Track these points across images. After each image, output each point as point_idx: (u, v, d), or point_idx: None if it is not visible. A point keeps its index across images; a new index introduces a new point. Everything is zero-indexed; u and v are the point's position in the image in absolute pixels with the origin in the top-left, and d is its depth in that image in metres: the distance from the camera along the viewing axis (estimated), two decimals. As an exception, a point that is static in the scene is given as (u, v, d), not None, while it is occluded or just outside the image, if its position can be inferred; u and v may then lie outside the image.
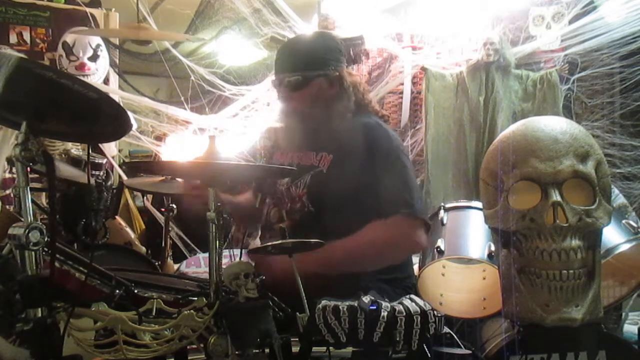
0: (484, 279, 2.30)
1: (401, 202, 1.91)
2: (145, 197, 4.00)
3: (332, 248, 1.80)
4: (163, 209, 3.11)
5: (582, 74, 3.81)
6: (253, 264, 1.48)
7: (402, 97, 4.15)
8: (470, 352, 1.74)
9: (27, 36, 3.81)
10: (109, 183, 2.83)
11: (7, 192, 3.25)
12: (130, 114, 1.48)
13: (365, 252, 1.89)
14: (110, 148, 3.71)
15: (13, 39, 3.78)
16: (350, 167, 1.95)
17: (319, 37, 2.31)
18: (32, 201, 1.34)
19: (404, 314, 1.48)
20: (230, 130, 3.75)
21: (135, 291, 1.57)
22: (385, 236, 1.89)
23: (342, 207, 1.93)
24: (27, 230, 1.24)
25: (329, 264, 1.82)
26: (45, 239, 1.26)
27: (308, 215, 2.00)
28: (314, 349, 1.52)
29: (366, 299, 1.52)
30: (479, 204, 2.17)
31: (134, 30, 3.10)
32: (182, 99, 3.68)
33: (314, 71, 2.03)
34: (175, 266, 3.10)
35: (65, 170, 2.65)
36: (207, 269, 1.60)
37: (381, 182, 1.92)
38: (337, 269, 1.84)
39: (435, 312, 1.53)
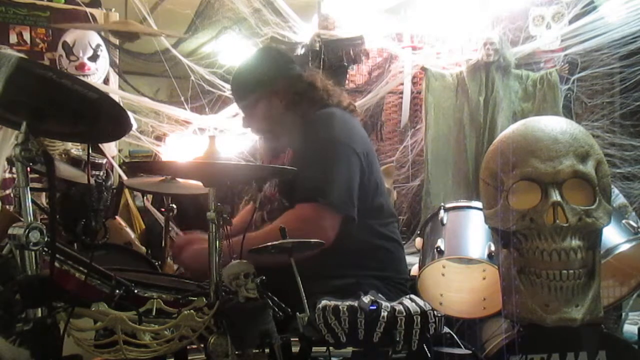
0: (484, 279, 2.30)
1: (315, 191, 1.93)
2: (145, 197, 3.99)
3: (249, 238, 1.77)
4: (163, 209, 3.10)
5: (582, 74, 3.82)
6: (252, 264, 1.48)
7: (402, 97, 4.16)
8: (470, 352, 1.74)
9: (27, 36, 3.81)
10: (109, 183, 2.83)
11: (7, 192, 3.25)
12: (130, 114, 1.48)
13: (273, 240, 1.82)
14: (110, 148, 3.71)
15: (13, 39, 3.78)
16: (300, 157, 2.03)
17: (249, 60, 2.31)
18: (32, 201, 1.34)
19: (404, 314, 1.49)
20: (230, 130, 3.75)
21: (135, 291, 1.57)
22: (291, 225, 1.74)
23: (301, 188, 1.98)
24: (27, 230, 1.24)
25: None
26: (45, 239, 1.26)
27: (284, 210, 2.05)
28: (314, 349, 1.52)
29: (366, 299, 1.52)
30: (479, 204, 2.17)
31: (121, 24, 3.09)
32: (182, 99, 3.69)
33: (250, 95, 2.16)
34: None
35: (65, 170, 2.64)
36: (207, 269, 1.60)
37: (306, 169, 1.92)
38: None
39: (435, 312, 1.53)
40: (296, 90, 2.14)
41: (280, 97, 2.14)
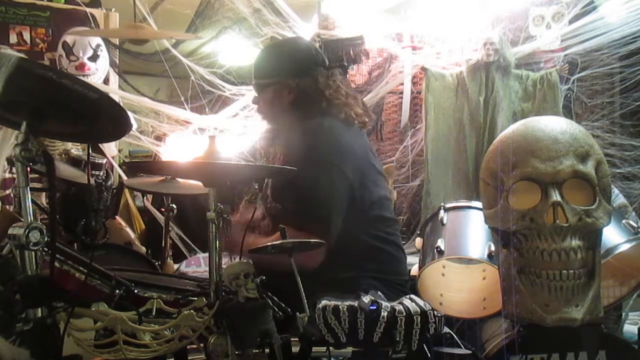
0: (484, 279, 2.30)
1: (297, 217, 1.93)
2: (145, 197, 3.99)
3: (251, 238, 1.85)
4: (163, 209, 3.10)
5: (582, 74, 3.81)
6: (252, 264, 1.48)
7: (402, 97, 4.15)
8: (470, 352, 1.74)
9: (27, 36, 3.81)
10: (109, 183, 2.83)
11: (7, 192, 3.24)
12: (130, 114, 1.48)
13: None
14: (110, 148, 3.71)
15: (13, 39, 3.77)
16: (290, 166, 1.99)
17: (279, 46, 2.38)
18: (32, 201, 1.34)
19: (404, 314, 1.49)
20: (230, 130, 3.75)
21: (135, 291, 1.57)
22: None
23: (292, 203, 2.00)
24: (27, 230, 1.24)
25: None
26: (45, 239, 1.26)
27: (277, 211, 2.08)
28: (314, 349, 1.52)
29: (366, 299, 1.52)
30: (479, 204, 2.17)
31: (132, 29, 3.09)
32: (182, 99, 3.68)
33: (265, 79, 2.17)
34: (175, 266, 3.10)
35: (65, 170, 2.64)
36: (207, 269, 1.60)
37: (297, 187, 1.94)
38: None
39: (435, 312, 1.53)
40: (305, 90, 2.14)
41: (289, 91, 2.14)
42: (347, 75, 3.99)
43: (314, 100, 2.14)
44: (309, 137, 2.05)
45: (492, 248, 2.13)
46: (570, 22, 3.76)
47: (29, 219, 1.27)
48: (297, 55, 2.21)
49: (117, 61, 4.04)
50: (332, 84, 2.18)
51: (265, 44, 2.39)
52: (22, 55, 1.40)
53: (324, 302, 1.52)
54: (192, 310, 1.40)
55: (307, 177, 1.93)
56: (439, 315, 1.55)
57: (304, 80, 2.14)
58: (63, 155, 2.88)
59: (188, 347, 1.45)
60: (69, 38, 3.85)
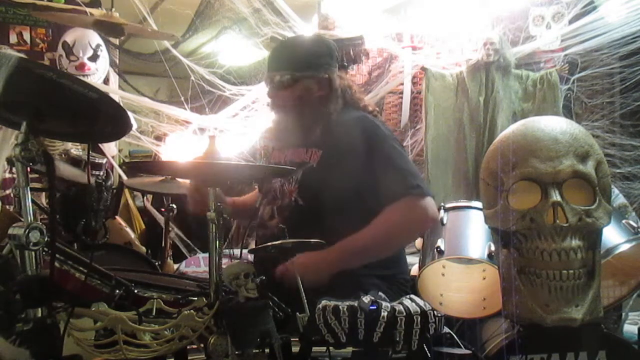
0: (484, 279, 2.30)
1: (404, 185, 1.97)
2: (145, 198, 4.00)
3: (353, 241, 1.92)
4: (163, 209, 3.11)
5: (582, 74, 3.82)
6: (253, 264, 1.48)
7: (402, 97, 4.15)
8: (470, 352, 1.74)
9: (27, 36, 3.82)
10: (109, 183, 2.84)
11: (7, 192, 3.25)
12: (130, 114, 1.48)
13: (383, 238, 1.98)
14: (110, 148, 3.72)
15: (13, 39, 3.78)
16: (340, 160, 2.01)
17: (310, 40, 2.38)
18: (32, 201, 1.34)
19: (404, 314, 1.48)
20: (230, 130, 3.76)
21: (135, 291, 1.57)
22: (399, 220, 1.96)
23: (336, 199, 1.97)
24: (27, 230, 1.24)
25: (352, 257, 1.93)
26: (45, 239, 1.26)
27: (298, 210, 2.05)
28: (314, 349, 1.52)
29: (366, 299, 1.52)
30: (479, 204, 2.17)
31: (105, 17, 3.07)
32: (182, 99, 3.69)
33: (300, 72, 2.09)
34: (175, 266, 3.10)
35: (65, 170, 2.65)
36: (207, 269, 1.61)
37: (378, 170, 1.98)
38: (359, 260, 1.95)
39: (435, 312, 1.53)
40: (331, 87, 2.13)
41: (319, 86, 2.10)
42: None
43: (345, 96, 2.16)
44: (365, 126, 2.06)
45: (492, 248, 2.13)
46: (570, 22, 3.77)
47: (29, 219, 1.27)
48: (326, 51, 2.18)
49: (117, 61, 4.05)
50: (349, 81, 2.22)
51: (292, 37, 2.33)
52: (22, 55, 1.40)
53: (323, 302, 1.52)
54: (192, 310, 1.40)
55: (388, 155, 2.00)
56: (439, 315, 1.55)
57: (331, 77, 2.13)
58: (63, 155, 2.89)
59: (188, 347, 1.45)
60: (69, 38, 3.85)
